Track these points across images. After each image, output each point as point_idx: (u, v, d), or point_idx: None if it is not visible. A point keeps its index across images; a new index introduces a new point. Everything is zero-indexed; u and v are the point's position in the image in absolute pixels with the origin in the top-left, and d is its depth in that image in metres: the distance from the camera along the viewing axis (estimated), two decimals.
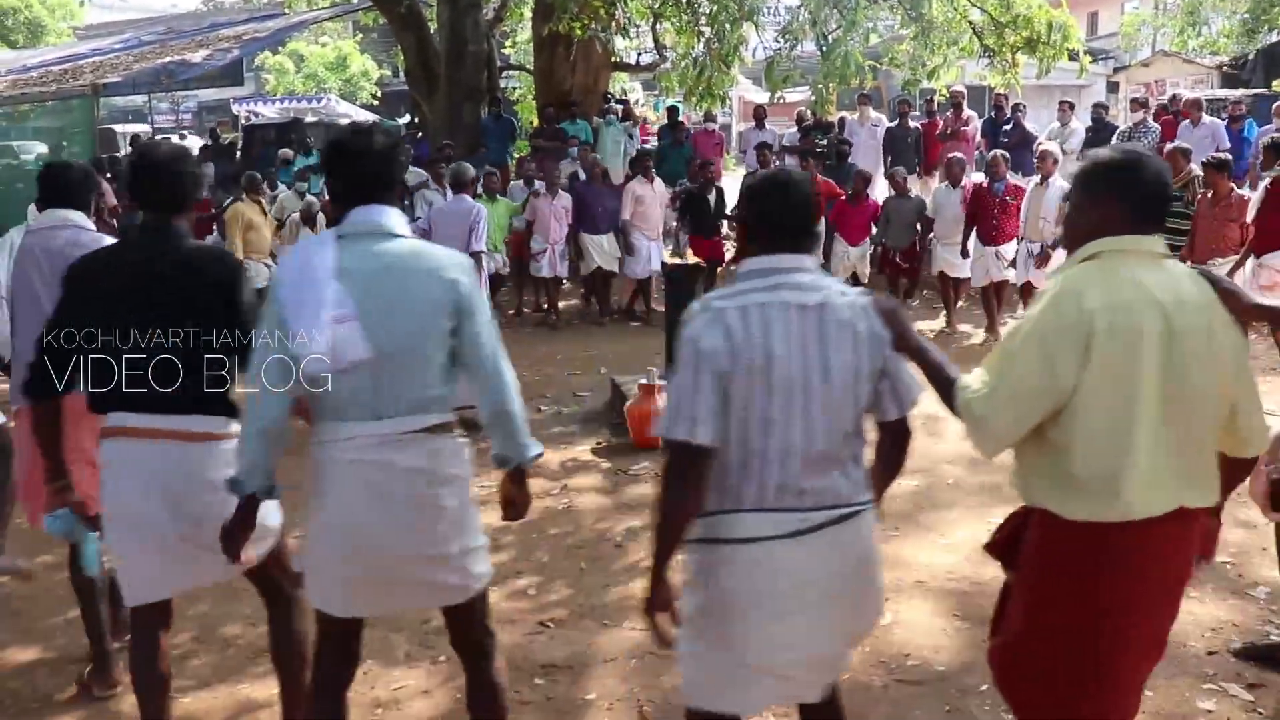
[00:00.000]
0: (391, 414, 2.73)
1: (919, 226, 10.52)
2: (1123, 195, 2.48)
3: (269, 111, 26.66)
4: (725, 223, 10.96)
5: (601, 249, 11.12)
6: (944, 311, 10.43)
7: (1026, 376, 2.41)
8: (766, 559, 2.50)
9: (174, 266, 3.09)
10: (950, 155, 9.97)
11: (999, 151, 10.25)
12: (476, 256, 7.57)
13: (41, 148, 15.72)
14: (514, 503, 3.02)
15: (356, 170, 2.79)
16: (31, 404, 3.27)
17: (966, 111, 12.77)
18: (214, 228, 10.79)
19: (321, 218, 10.79)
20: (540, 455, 2.97)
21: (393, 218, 2.80)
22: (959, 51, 12.14)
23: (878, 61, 13.53)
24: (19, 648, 4.44)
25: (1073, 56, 13.03)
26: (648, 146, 12.66)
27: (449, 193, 10.90)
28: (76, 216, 3.91)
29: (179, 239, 3.15)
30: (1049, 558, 2.53)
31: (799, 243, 2.57)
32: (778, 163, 11.68)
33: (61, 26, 33.63)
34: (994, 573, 4.76)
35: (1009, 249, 9.65)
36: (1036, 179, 9.49)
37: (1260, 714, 3.67)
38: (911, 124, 12.99)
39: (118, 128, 21.11)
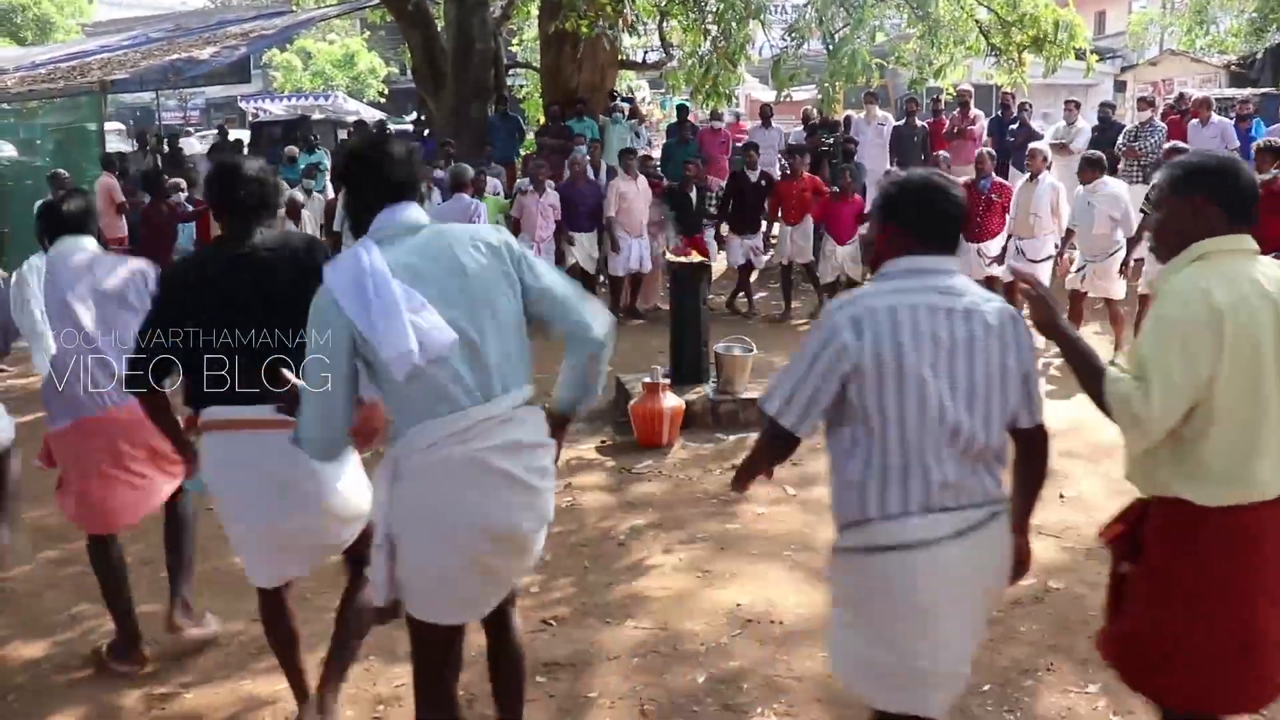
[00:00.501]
0: (498, 392, 2.72)
1: None
2: (1221, 198, 2.60)
3: (276, 109, 26.68)
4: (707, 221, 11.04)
5: (581, 247, 11.13)
6: None
7: (1174, 374, 2.49)
8: (934, 562, 2.52)
9: (260, 265, 3.27)
10: (1031, 147, 9.94)
11: (984, 149, 10.31)
12: None
13: (10, 150, 15.80)
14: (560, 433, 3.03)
15: (384, 177, 2.80)
16: (137, 398, 3.48)
17: (973, 110, 12.76)
18: (197, 225, 10.72)
19: (306, 214, 10.81)
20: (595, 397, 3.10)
21: (418, 213, 2.83)
22: (966, 50, 12.14)
23: (884, 60, 13.53)
24: (23, 642, 4.47)
25: (1079, 55, 13.03)
26: (576, 147, 12.62)
27: (435, 193, 10.93)
28: (87, 242, 4.13)
29: (263, 239, 3.34)
30: (1183, 545, 2.61)
31: (949, 244, 2.62)
32: (784, 163, 11.67)
33: (70, 23, 33.68)
34: None
35: (993, 246, 9.71)
36: (1026, 176, 9.52)
37: None
38: (918, 123, 12.99)
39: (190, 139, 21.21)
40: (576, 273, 11.16)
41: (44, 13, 32.89)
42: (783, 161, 12.43)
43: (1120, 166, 11.12)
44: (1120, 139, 11.53)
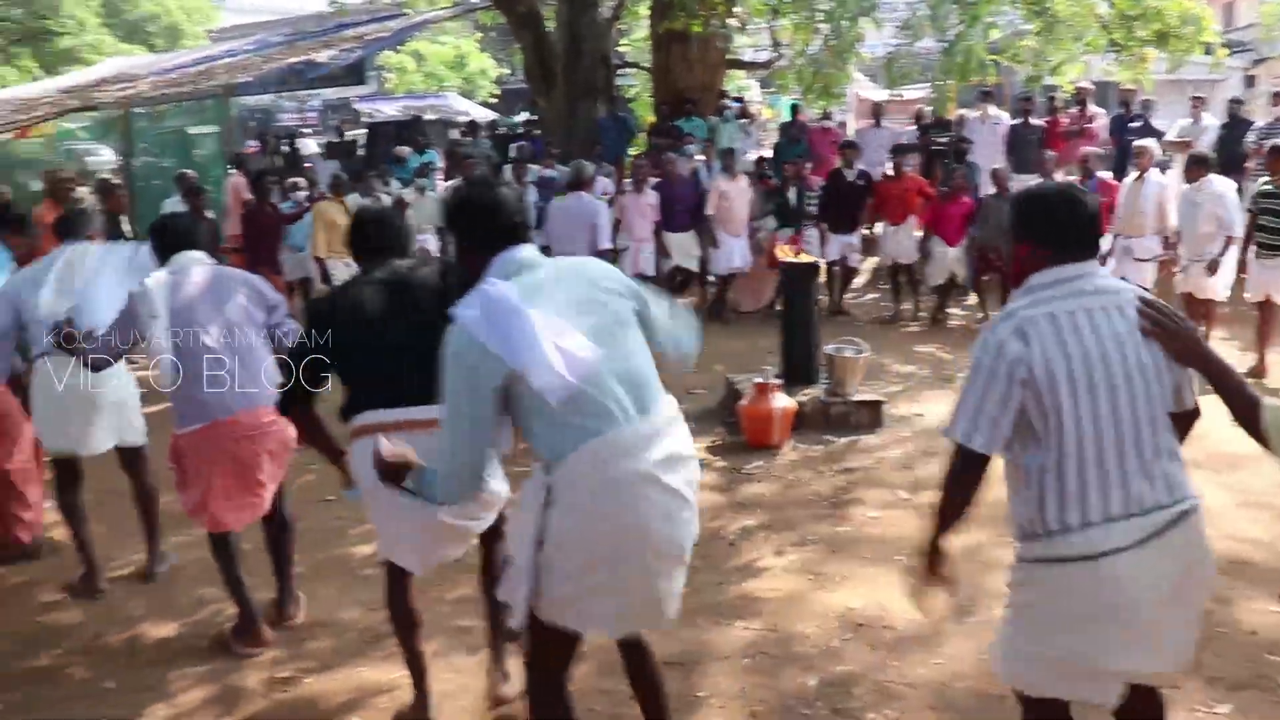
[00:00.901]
0: (644, 409, 2.76)
1: None
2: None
3: (390, 109, 27.26)
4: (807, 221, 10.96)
5: (680, 247, 11.12)
6: None
7: None
8: (1119, 571, 2.50)
9: (399, 280, 3.60)
10: (1137, 145, 9.72)
11: (1090, 149, 10.03)
12: (604, 256, 7.49)
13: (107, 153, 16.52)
14: None
15: (495, 223, 2.86)
16: (291, 418, 3.86)
17: (1092, 108, 12.41)
18: (284, 228, 10.94)
19: (411, 213, 10.90)
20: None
21: (534, 253, 2.86)
22: (1085, 47, 11.76)
23: (999, 57, 13.23)
24: (154, 623, 4.65)
25: (1207, 50, 12.55)
26: (686, 146, 12.58)
27: (533, 191, 11.01)
28: (200, 256, 4.36)
29: (400, 264, 3.67)
30: None
31: (1089, 250, 2.64)
32: (892, 160, 11.53)
33: (197, 30, 34.92)
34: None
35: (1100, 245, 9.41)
36: (1134, 174, 9.26)
37: None
38: (1034, 121, 12.68)
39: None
40: (679, 272, 11.19)
41: (174, 21, 34.15)
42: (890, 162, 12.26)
43: (1250, 165, 10.72)
44: (1251, 136, 11.10)
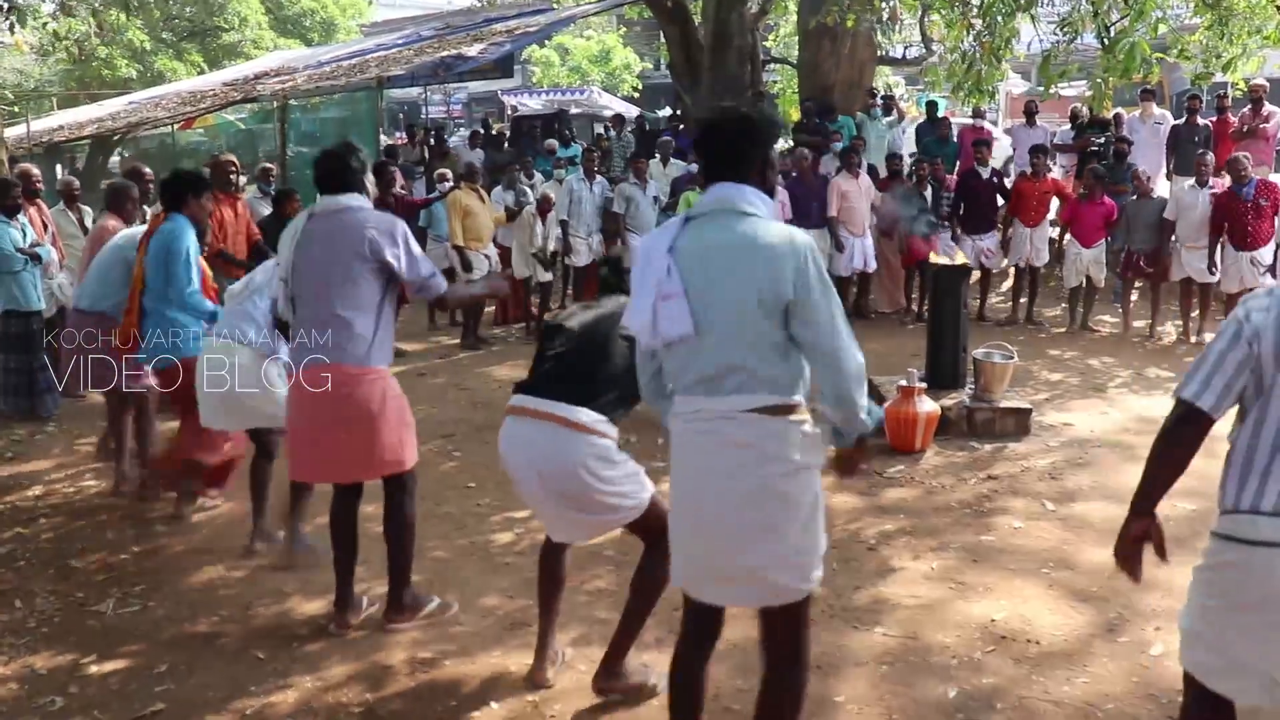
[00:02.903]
0: (726, 391, 2.82)
1: (1163, 229, 9.93)
2: None
3: (534, 103, 27.70)
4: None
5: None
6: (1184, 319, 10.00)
7: None
8: (1271, 566, 2.48)
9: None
10: (1230, 157, 9.32)
11: (1238, 154, 9.54)
12: None
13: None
14: (845, 461, 3.08)
15: (710, 148, 2.93)
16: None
17: (1268, 108, 11.79)
18: (419, 213, 11.11)
19: (551, 215, 11.02)
20: (869, 433, 3.03)
21: (745, 195, 2.87)
22: (1262, 40, 11.15)
23: (1164, 53, 12.70)
24: (303, 599, 4.80)
25: None
26: (833, 144, 12.35)
27: (650, 186, 10.96)
28: (349, 199, 4.29)
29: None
30: None
31: None
32: (1052, 163, 11.20)
33: (351, 24, 35.99)
34: None
35: (1264, 253, 8.98)
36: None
37: None
38: (1200, 121, 12.14)
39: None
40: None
41: (329, 16, 35.26)
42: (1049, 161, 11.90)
43: None
44: None
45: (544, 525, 3.95)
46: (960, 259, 7.97)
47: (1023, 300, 11.06)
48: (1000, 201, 11.18)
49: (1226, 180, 9.79)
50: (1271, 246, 9.04)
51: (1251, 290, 9.25)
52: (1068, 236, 10.59)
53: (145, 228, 5.82)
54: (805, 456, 2.86)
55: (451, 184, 10.86)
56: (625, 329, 2.99)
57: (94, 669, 4.23)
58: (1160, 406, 7.82)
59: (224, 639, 4.46)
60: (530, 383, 3.74)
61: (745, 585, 2.91)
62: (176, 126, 19.06)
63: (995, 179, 11.12)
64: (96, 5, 23.40)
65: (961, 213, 11.07)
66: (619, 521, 3.72)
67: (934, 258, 8.34)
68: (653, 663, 3.93)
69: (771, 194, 2.97)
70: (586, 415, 3.55)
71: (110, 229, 6.52)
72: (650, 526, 3.68)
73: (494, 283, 4.91)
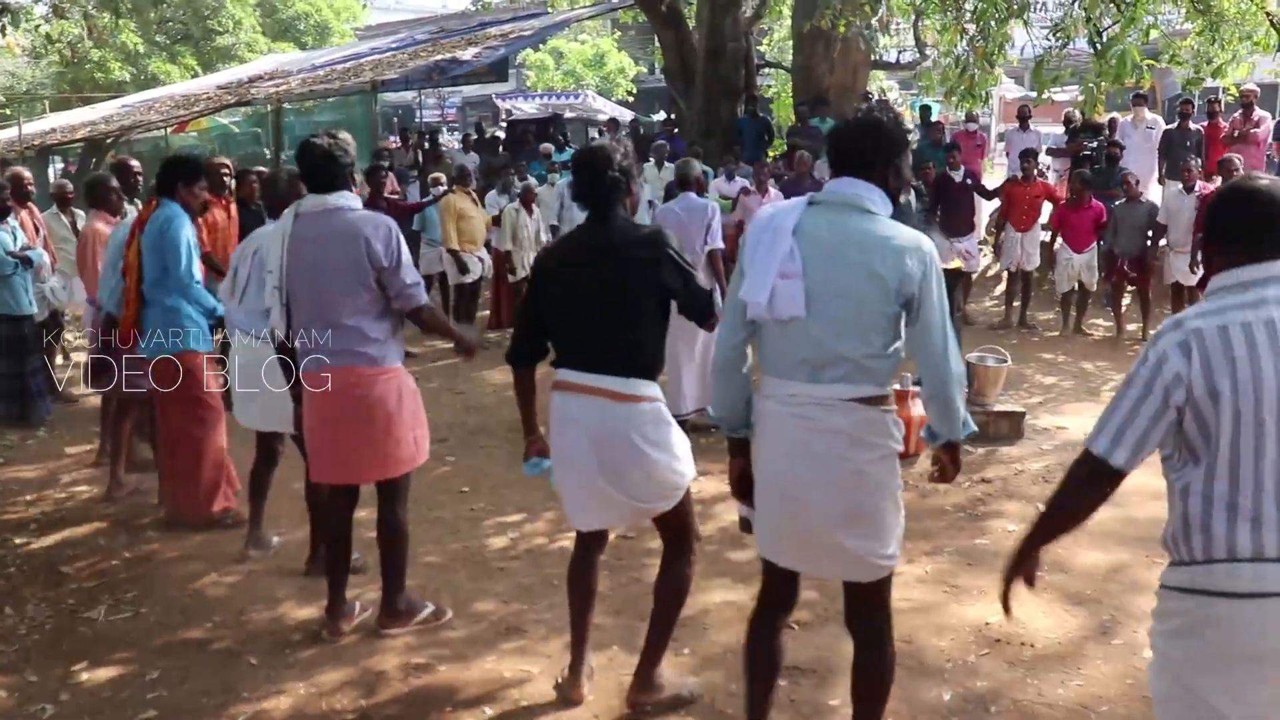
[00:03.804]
0: (829, 379, 2.90)
1: (1150, 233, 9.98)
2: None
3: (529, 107, 27.70)
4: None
5: None
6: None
7: None
8: (1264, 616, 2.26)
9: (613, 248, 3.56)
10: (1222, 158, 9.37)
11: (1230, 156, 9.61)
12: (713, 256, 7.25)
13: None
14: (943, 467, 3.16)
15: (846, 145, 3.03)
16: (514, 370, 3.83)
17: (1258, 113, 11.84)
18: (413, 217, 11.08)
19: (536, 207, 10.98)
20: (973, 434, 3.17)
21: (870, 192, 2.97)
22: (1252, 46, 11.20)
23: (1155, 60, 12.75)
24: (297, 604, 4.79)
25: None
26: (822, 147, 12.38)
27: (643, 189, 10.92)
28: (339, 198, 4.18)
29: (615, 226, 3.60)
30: None
31: (1269, 251, 2.34)
32: (1042, 168, 11.23)
33: (345, 28, 36.00)
34: None
35: None
36: None
37: None
38: (1192, 126, 12.18)
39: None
40: None
41: (323, 19, 35.26)
42: (1039, 166, 11.94)
43: None
44: None
45: (576, 515, 3.78)
46: (955, 263, 7.98)
47: (1015, 304, 11.09)
48: (983, 204, 11.25)
49: (1218, 182, 9.83)
50: None
51: None
52: (1059, 241, 10.64)
53: (131, 219, 5.74)
54: (893, 443, 2.99)
55: (445, 188, 10.85)
56: (742, 298, 2.98)
57: (85, 676, 4.21)
58: None
59: (217, 645, 4.44)
60: (571, 357, 3.64)
61: (839, 560, 3.03)
62: (170, 130, 19.04)
63: (970, 181, 11.18)
64: (89, 8, 23.35)
65: (938, 216, 11.13)
66: (666, 501, 3.66)
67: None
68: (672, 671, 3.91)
69: (895, 199, 3.05)
70: (635, 384, 3.55)
71: (99, 229, 6.50)
72: (684, 517, 3.73)
73: (468, 336, 4.83)
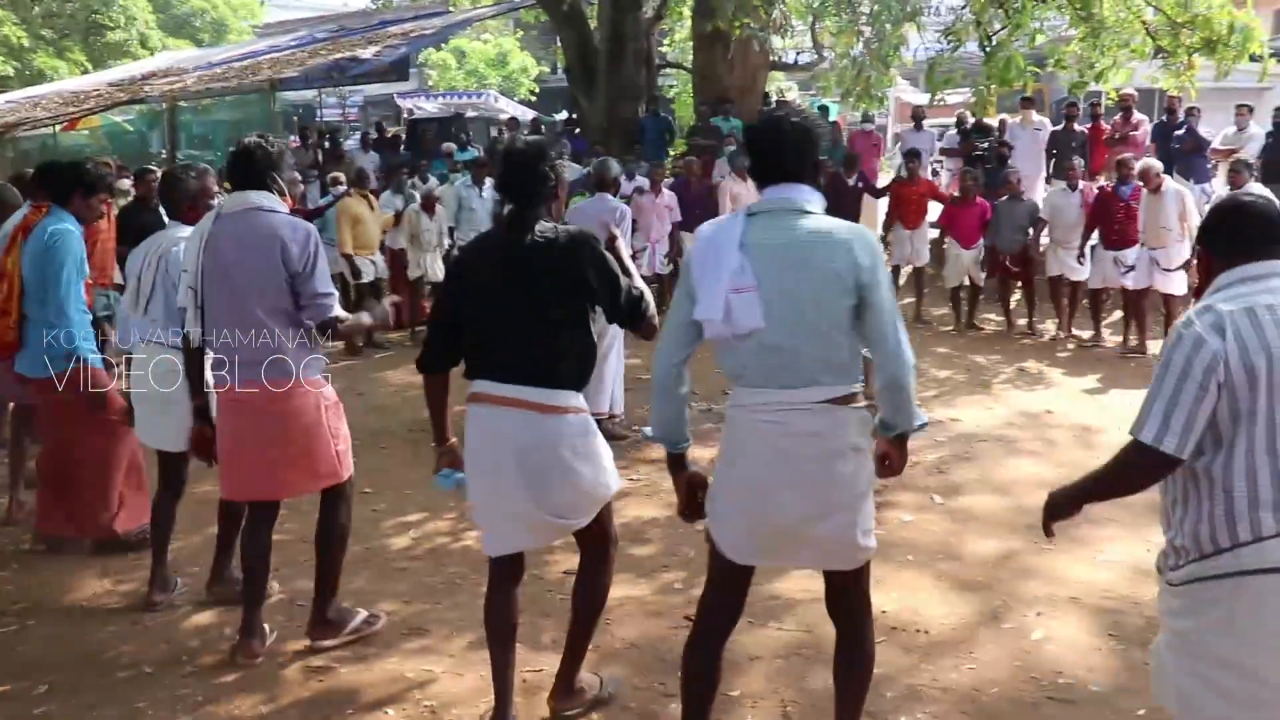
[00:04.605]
0: (793, 384, 2.91)
1: (1030, 230, 10.37)
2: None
3: (431, 107, 27.39)
4: None
5: None
6: (1056, 317, 10.49)
7: None
8: None
9: (533, 250, 3.39)
10: (1144, 164, 9.74)
11: (1127, 154, 10.11)
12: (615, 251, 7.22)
13: None
14: (890, 460, 3.12)
15: (770, 152, 3.04)
16: (425, 376, 3.66)
17: (1136, 116, 12.32)
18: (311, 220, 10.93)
19: (439, 208, 10.95)
20: (925, 426, 3.18)
21: (805, 194, 3.00)
22: (1130, 53, 11.65)
23: (1040, 66, 13.17)
24: (192, 609, 4.70)
25: (1254, 59, 12.40)
26: (726, 147, 12.60)
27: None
28: (260, 198, 4.03)
29: (536, 226, 3.43)
30: None
31: (1269, 251, 2.50)
32: (936, 166, 11.51)
33: (243, 25, 35.26)
34: (1154, 593, 4.61)
35: (1130, 254, 9.48)
36: (1147, 192, 9.37)
37: None
38: (1077, 128, 12.61)
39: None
40: None
41: (220, 16, 34.48)
42: (934, 165, 12.27)
43: None
44: None
45: (495, 540, 3.58)
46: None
47: (909, 300, 11.36)
48: (878, 204, 11.56)
49: (1100, 181, 10.25)
50: (1137, 249, 9.47)
51: (1110, 289, 9.83)
52: (948, 238, 10.94)
53: (15, 221, 5.23)
54: (865, 439, 3.02)
55: (344, 189, 10.72)
56: (697, 319, 2.96)
57: None
58: (1041, 400, 8.13)
59: (111, 655, 4.34)
60: (488, 366, 3.47)
61: (819, 550, 3.07)
62: (59, 128, 18.45)
63: (860, 184, 11.50)
64: None
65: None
66: (590, 516, 3.55)
67: None
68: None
69: (825, 194, 3.11)
70: (561, 395, 3.42)
71: None
72: (605, 526, 3.65)
73: (378, 313, 4.67)
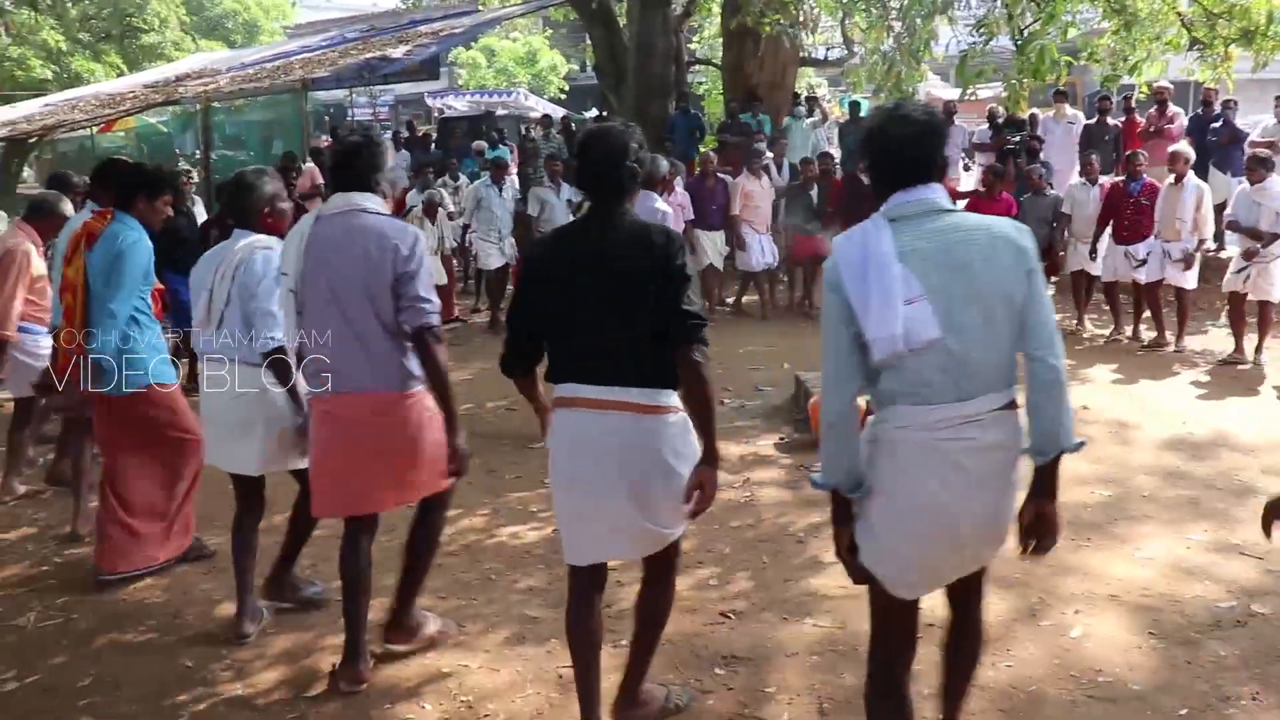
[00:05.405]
0: (972, 394, 2.74)
1: (1054, 224, 10.30)
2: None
3: (461, 105, 27.56)
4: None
5: (712, 245, 11.25)
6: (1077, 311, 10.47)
7: None
8: None
9: (618, 246, 3.22)
10: (1172, 150, 9.66)
11: (1139, 150, 10.07)
12: None
13: None
14: (1041, 516, 2.92)
15: (897, 157, 2.82)
16: (514, 379, 3.51)
17: (1172, 109, 12.18)
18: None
19: (441, 212, 10.97)
20: (1083, 444, 2.91)
21: (940, 193, 2.82)
22: (1164, 45, 11.52)
23: (1074, 57, 13.06)
24: (230, 603, 4.72)
25: None
26: (756, 144, 12.60)
27: (563, 190, 10.97)
28: (366, 199, 3.85)
29: (623, 221, 3.28)
30: None
31: None
32: (968, 161, 11.45)
33: (274, 26, 35.54)
34: (1194, 591, 4.59)
35: (1141, 248, 9.41)
36: (1171, 179, 9.24)
37: None
38: (1111, 121, 12.49)
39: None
40: (711, 272, 11.24)
41: (252, 17, 34.76)
42: (965, 160, 12.20)
43: None
44: None
45: (583, 547, 3.40)
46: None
47: None
48: None
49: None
50: (1149, 243, 9.42)
51: (1122, 283, 9.78)
52: None
53: (74, 228, 5.08)
54: (1023, 443, 2.87)
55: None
56: (871, 338, 2.69)
57: (14, 684, 4.15)
58: (1075, 396, 8.05)
59: (150, 648, 4.40)
60: (579, 368, 3.30)
61: (979, 556, 2.99)
62: (96, 129, 18.66)
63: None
64: (5, 5, 22.81)
65: (840, 216, 11.43)
66: (682, 526, 3.40)
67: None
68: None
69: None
70: (661, 395, 3.25)
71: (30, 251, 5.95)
72: (678, 540, 3.48)
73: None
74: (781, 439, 6.96)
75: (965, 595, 3.14)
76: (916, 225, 2.76)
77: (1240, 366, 8.59)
